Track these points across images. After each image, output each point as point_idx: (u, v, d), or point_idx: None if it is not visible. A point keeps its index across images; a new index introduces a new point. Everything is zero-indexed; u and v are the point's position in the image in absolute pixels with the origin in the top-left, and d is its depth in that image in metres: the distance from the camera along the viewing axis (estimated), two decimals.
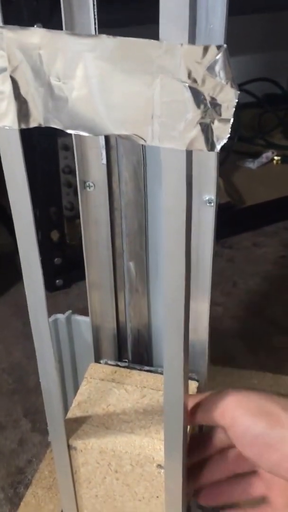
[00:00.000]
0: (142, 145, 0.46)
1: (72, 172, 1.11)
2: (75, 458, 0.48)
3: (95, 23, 0.38)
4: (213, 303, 0.50)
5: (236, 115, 0.26)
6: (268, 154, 1.52)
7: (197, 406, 0.41)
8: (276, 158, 1.51)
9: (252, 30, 1.60)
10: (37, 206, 1.03)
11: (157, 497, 0.48)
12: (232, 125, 0.27)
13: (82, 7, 0.38)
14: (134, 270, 0.52)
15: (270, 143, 1.59)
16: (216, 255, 0.48)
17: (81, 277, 0.52)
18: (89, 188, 0.48)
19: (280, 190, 1.36)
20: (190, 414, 0.41)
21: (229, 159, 1.43)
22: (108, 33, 0.26)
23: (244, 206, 1.32)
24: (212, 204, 0.44)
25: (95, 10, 0.38)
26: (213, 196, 0.44)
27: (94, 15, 0.40)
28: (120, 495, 0.49)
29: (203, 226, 0.46)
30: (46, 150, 0.98)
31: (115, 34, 0.26)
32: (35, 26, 0.83)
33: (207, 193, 0.44)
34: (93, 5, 0.38)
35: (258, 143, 1.59)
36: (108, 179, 0.47)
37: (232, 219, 1.27)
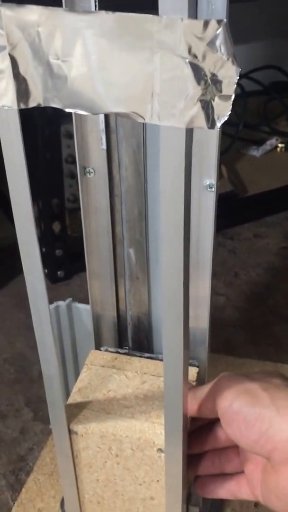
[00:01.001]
0: (142, 128, 0.45)
1: (75, 162, 1.09)
2: (76, 442, 0.48)
3: (95, 5, 0.38)
4: (215, 293, 0.49)
5: (243, 102, 0.25)
6: (272, 141, 1.49)
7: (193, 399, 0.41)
8: (280, 145, 1.49)
9: (258, 17, 1.58)
10: (39, 198, 1.02)
11: (158, 481, 0.47)
12: (236, 112, 0.26)
13: None
14: (134, 257, 0.51)
15: (275, 130, 1.56)
16: (217, 245, 0.47)
17: (83, 268, 0.52)
18: (89, 174, 0.48)
19: (283, 178, 1.33)
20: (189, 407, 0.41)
21: (233, 147, 1.41)
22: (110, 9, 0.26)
23: (246, 195, 1.29)
24: (212, 189, 0.44)
25: None
26: (213, 181, 0.43)
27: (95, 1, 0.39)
28: (120, 479, 0.49)
29: (203, 213, 0.45)
30: (48, 138, 0.95)
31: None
32: None
33: (208, 177, 0.43)
34: None
35: (263, 130, 1.56)
36: (108, 164, 0.47)
37: (234, 209, 1.25)
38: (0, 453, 0.76)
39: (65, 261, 1.08)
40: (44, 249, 1.05)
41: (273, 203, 1.30)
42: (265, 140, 1.50)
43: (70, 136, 1.07)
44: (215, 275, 0.49)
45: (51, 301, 0.39)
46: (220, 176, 0.44)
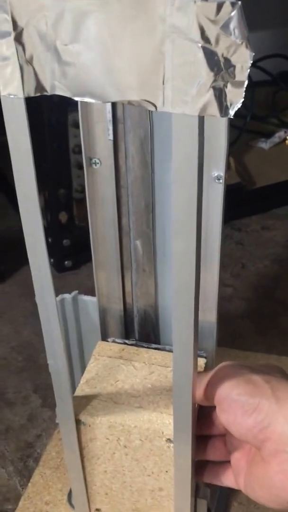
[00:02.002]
0: (149, 118, 0.44)
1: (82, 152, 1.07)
2: (83, 433, 0.46)
3: None
4: (222, 284, 0.48)
5: (250, 93, 0.24)
6: (281, 133, 1.44)
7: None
8: None
9: (267, 5, 1.52)
10: (46, 188, 1.00)
11: (166, 471, 0.46)
12: (244, 103, 0.24)
13: None
14: (141, 249, 0.50)
15: (284, 122, 1.51)
16: (225, 237, 0.45)
17: (90, 258, 0.50)
18: (95, 165, 0.46)
19: None
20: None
21: (241, 139, 1.37)
22: None
23: (254, 187, 1.26)
24: (221, 181, 0.42)
25: None
26: (222, 173, 0.42)
27: None
28: (129, 470, 0.47)
29: (212, 204, 0.44)
30: (55, 128, 0.93)
31: None
32: None
33: (216, 169, 0.42)
34: None
35: (271, 121, 1.50)
36: (114, 155, 0.45)
37: (242, 201, 1.21)
38: (8, 440, 0.75)
39: (72, 250, 1.06)
40: (50, 239, 1.04)
41: (281, 195, 1.27)
42: (273, 132, 1.45)
43: (77, 125, 1.03)
44: (222, 266, 0.47)
45: (57, 291, 0.37)
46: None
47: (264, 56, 1.53)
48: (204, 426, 0.43)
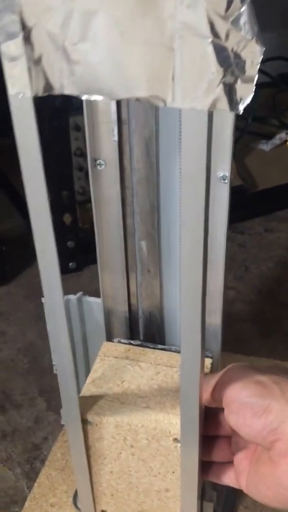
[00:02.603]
0: (155, 119, 0.43)
1: (83, 155, 1.06)
2: (90, 433, 0.46)
3: None
4: (225, 287, 0.47)
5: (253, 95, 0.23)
6: (282, 135, 1.43)
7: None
8: None
9: (267, 8, 1.52)
10: (50, 190, 1.00)
11: (173, 472, 0.45)
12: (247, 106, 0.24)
13: None
14: (146, 250, 0.49)
15: (284, 123, 1.50)
16: (227, 240, 0.45)
17: (93, 260, 0.50)
18: (100, 166, 0.46)
19: None
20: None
21: (242, 140, 1.35)
22: None
23: (257, 190, 1.25)
24: (226, 181, 0.42)
25: None
26: (227, 173, 0.41)
27: None
28: (135, 470, 0.47)
29: (217, 205, 0.43)
30: (57, 131, 0.93)
31: None
32: None
33: (221, 169, 0.41)
34: None
35: (272, 123, 1.49)
36: (119, 156, 0.45)
37: (244, 204, 1.20)
38: (15, 442, 0.74)
39: (76, 252, 1.06)
40: (55, 241, 1.03)
41: (283, 198, 1.26)
42: (274, 134, 1.44)
43: (78, 128, 1.03)
44: (225, 268, 0.47)
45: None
46: (233, 150, 0.42)
47: (265, 59, 1.53)
48: (210, 427, 0.42)
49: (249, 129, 1.40)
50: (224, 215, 0.44)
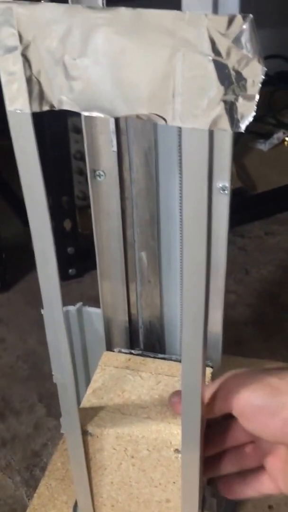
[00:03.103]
0: (154, 129, 0.43)
1: (83, 158, 1.05)
2: (90, 444, 0.45)
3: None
4: (226, 291, 0.46)
5: None
6: (279, 134, 1.42)
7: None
8: (287, 139, 1.42)
9: (264, 6, 1.51)
10: (49, 195, 0.99)
11: (174, 482, 0.45)
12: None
13: None
14: (146, 260, 0.49)
15: (281, 122, 1.50)
16: (228, 243, 0.44)
17: (94, 266, 0.49)
18: (100, 177, 0.45)
19: None
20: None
21: (239, 140, 1.34)
22: (118, 5, 0.23)
23: (256, 192, 1.23)
24: (226, 191, 0.41)
25: None
26: (227, 183, 0.41)
27: None
28: (136, 481, 0.46)
29: (216, 216, 0.43)
30: (56, 133, 0.91)
31: (125, 5, 0.23)
32: None
33: (221, 180, 0.41)
34: None
35: (269, 122, 1.49)
36: (118, 167, 0.44)
37: (244, 206, 1.19)
38: (15, 449, 0.74)
39: (76, 258, 1.05)
40: (55, 247, 1.02)
41: (283, 200, 1.24)
42: (271, 133, 1.43)
43: (78, 131, 1.01)
44: (225, 272, 0.46)
45: (62, 299, 0.36)
46: (233, 161, 0.41)
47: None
48: (230, 437, 0.41)
49: (246, 128, 1.40)
50: (224, 226, 0.43)
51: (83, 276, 1.07)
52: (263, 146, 1.40)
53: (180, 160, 0.43)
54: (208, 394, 0.39)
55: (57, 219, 1.00)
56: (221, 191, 0.41)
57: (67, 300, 0.58)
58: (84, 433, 0.44)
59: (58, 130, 0.92)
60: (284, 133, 1.43)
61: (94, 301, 0.58)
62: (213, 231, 0.43)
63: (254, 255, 1.10)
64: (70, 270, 1.05)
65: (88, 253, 0.49)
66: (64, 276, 1.05)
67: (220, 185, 0.41)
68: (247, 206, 1.20)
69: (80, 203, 1.06)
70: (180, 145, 0.43)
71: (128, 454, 0.45)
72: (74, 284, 1.05)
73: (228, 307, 1.00)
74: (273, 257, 1.10)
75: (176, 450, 0.43)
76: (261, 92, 0.23)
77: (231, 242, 1.10)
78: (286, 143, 1.43)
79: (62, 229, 1.01)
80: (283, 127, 1.47)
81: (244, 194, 1.22)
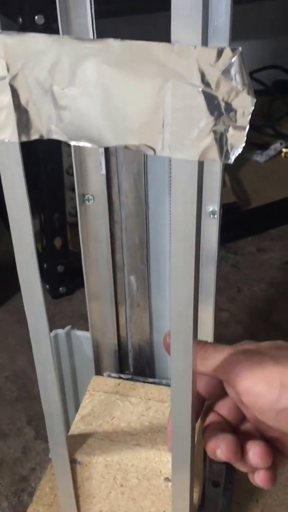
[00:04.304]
0: (143, 153, 0.42)
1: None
2: (79, 472, 0.44)
3: (91, 12, 0.34)
4: (218, 309, 0.46)
5: None
6: (276, 145, 1.40)
7: (211, 349, 0.37)
8: (284, 150, 1.39)
9: (261, 16, 1.50)
10: (41, 212, 0.97)
11: (164, 511, 0.44)
12: None
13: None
14: (135, 284, 0.48)
15: (279, 132, 1.47)
16: (220, 260, 0.44)
17: (84, 284, 0.48)
18: (88, 201, 0.45)
19: (287, 188, 1.24)
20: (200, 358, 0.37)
21: None
22: (106, 23, 0.23)
23: (250, 208, 1.21)
24: (215, 216, 0.41)
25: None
26: (216, 208, 0.40)
27: (91, 5, 0.35)
28: (125, 510, 0.45)
29: (206, 240, 0.42)
30: (49, 147, 0.90)
31: (113, 23, 0.22)
32: (36, 17, 0.78)
33: (211, 204, 0.40)
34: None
35: (267, 132, 1.47)
36: (107, 190, 0.44)
37: (237, 222, 1.17)
38: (2, 474, 0.72)
39: (67, 276, 1.04)
40: (45, 265, 1.01)
41: (277, 215, 1.22)
42: (269, 144, 1.40)
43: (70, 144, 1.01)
44: (218, 290, 0.45)
45: (52, 317, 0.35)
46: (223, 184, 0.41)
47: (260, 68, 1.49)
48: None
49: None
50: (213, 250, 0.43)
51: (74, 293, 1.05)
52: (260, 157, 1.37)
53: (170, 183, 0.43)
54: (218, 358, 0.37)
55: (48, 237, 0.99)
56: (211, 215, 0.41)
57: (58, 318, 0.57)
58: (73, 461, 0.43)
59: (50, 144, 0.91)
60: (281, 143, 1.40)
61: (85, 319, 0.57)
62: (203, 254, 0.42)
63: (246, 272, 1.10)
64: (60, 288, 1.04)
65: (79, 270, 0.48)
66: (54, 294, 1.04)
67: (210, 209, 0.41)
68: (240, 222, 1.18)
69: (72, 220, 1.05)
70: (170, 168, 0.43)
71: (117, 482, 0.44)
72: (65, 302, 1.04)
73: (220, 325, 0.99)
74: (265, 275, 1.09)
75: (167, 479, 0.42)
76: (258, 102, 0.22)
77: (224, 259, 1.09)
78: (283, 154, 1.40)
79: (53, 247, 1.00)
80: (280, 137, 1.44)
81: (237, 209, 1.19)
